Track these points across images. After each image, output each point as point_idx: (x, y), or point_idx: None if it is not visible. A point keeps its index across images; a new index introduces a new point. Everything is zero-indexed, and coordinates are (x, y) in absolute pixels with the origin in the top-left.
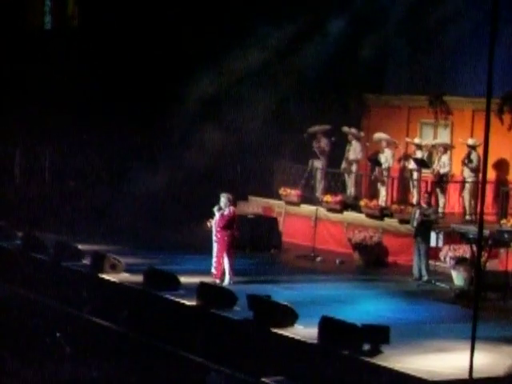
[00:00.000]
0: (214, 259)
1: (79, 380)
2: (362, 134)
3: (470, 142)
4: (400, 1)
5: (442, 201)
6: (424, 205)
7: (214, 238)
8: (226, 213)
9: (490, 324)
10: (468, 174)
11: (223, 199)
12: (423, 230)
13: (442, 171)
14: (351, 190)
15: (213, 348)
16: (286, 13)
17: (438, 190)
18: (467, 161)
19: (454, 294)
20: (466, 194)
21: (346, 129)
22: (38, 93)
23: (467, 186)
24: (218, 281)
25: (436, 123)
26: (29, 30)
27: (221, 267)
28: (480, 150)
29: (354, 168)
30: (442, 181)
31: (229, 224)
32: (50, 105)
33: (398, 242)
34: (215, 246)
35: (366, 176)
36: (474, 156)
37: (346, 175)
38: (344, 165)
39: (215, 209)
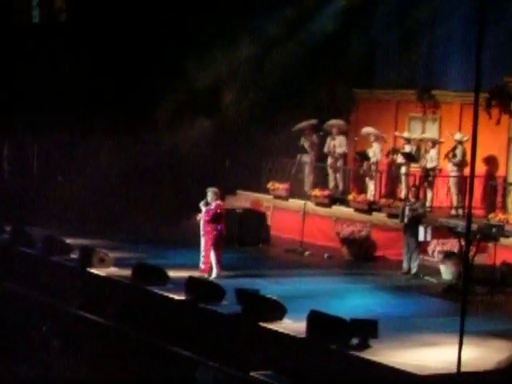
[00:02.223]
0: (202, 253)
1: (67, 374)
2: (346, 126)
3: (457, 136)
4: None
5: (429, 195)
6: (412, 199)
7: (202, 232)
8: (211, 207)
9: (479, 318)
10: (451, 169)
11: (210, 194)
12: (413, 224)
13: (430, 165)
14: (339, 184)
15: (201, 342)
16: (274, 7)
17: (425, 185)
18: (451, 155)
19: (442, 288)
20: (453, 188)
21: (332, 122)
22: (26, 87)
23: (452, 180)
24: (205, 275)
25: (424, 117)
26: (16, 24)
27: (209, 261)
28: (467, 145)
29: (340, 162)
30: (429, 175)
31: (215, 218)
32: (38, 99)
33: (386, 236)
34: (203, 241)
35: (354, 170)
36: (458, 151)
37: (330, 170)
38: (330, 160)
39: (201, 204)
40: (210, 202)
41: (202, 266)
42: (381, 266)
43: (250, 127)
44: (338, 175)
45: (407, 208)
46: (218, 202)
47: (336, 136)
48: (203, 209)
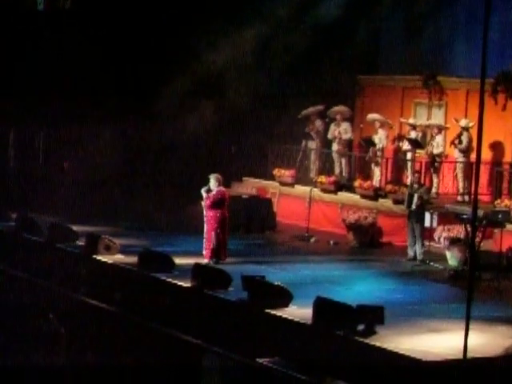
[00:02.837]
0: (204, 240)
1: (73, 361)
2: (350, 112)
3: (463, 122)
4: None
5: (435, 181)
6: (415, 185)
7: (204, 218)
8: (212, 193)
9: (485, 304)
10: (457, 155)
11: (212, 180)
12: (420, 211)
13: (436, 151)
14: (344, 170)
15: (208, 329)
16: None
17: (431, 171)
18: (457, 141)
19: (448, 275)
20: (459, 175)
21: (336, 108)
22: (31, 74)
23: (459, 166)
24: (207, 261)
25: (430, 103)
26: (21, 11)
27: (210, 247)
28: (473, 131)
29: (346, 149)
30: (435, 161)
31: (216, 204)
32: (43, 85)
33: (392, 223)
34: (205, 227)
35: (360, 157)
36: (464, 137)
37: (336, 156)
38: (336, 146)
39: (203, 190)
40: (212, 188)
41: (203, 251)
42: (387, 253)
43: (256, 114)
44: (343, 161)
45: (416, 196)
46: (220, 188)
47: (341, 122)
48: (204, 195)
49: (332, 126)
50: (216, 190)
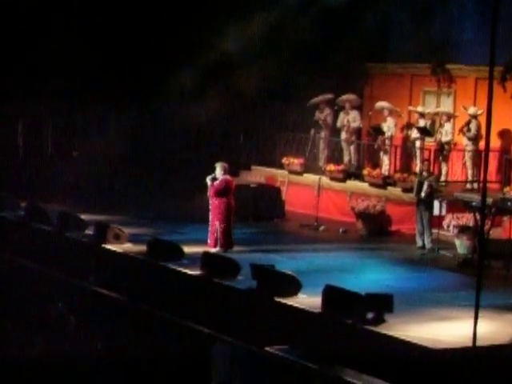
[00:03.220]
0: (209, 228)
1: (83, 350)
2: (359, 101)
3: (471, 110)
4: None
5: (444, 169)
6: (425, 173)
7: (209, 207)
8: (216, 182)
9: (494, 292)
10: (466, 143)
11: (218, 168)
12: (429, 199)
13: (444, 139)
14: (353, 158)
15: (217, 317)
16: None
17: (440, 159)
18: (466, 129)
19: (458, 263)
20: (468, 163)
21: (345, 96)
22: (40, 63)
23: (468, 154)
24: (213, 249)
25: (439, 91)
26: None
27: (214, 236)
28: (482, 119)
29: (354, 137)
30: (443, 149)
31: (221, 193)
32: (51, 75)
33: (401, 211)
34: (210, 215)
35: (369, 145)
36: (472, 125)
37: (345, 144)
38: (345, 135)
39: (208, 178)
40: (218, 176)
41: (208, 240)
42: (396, 241)
43: (265, 102)
44: (352, 149)
45: (426, 183)
46: (226, 177)
47: (350, 111)
48: (209, 183)
49: (341, 114)
50: (220, 178)
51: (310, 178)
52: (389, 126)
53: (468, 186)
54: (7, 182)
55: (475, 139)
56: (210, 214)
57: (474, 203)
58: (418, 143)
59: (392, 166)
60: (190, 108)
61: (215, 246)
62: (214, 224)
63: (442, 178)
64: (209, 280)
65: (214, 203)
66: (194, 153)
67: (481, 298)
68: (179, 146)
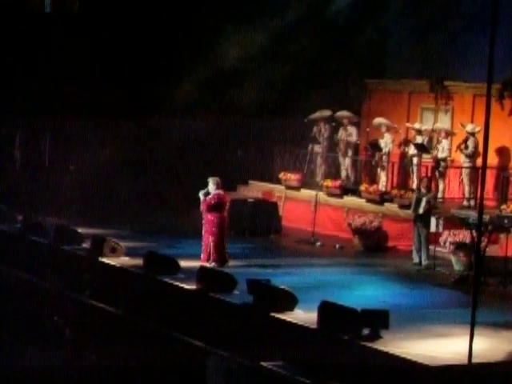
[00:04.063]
0: (202, 242)
1: (78, 363)
2: (356, 118)
3: (469, 127)
4: None
5: (441, 186)
6: (423, 189)
7: (203, 221)
8: (209, 196)
9: (490, 309)
10: (463, 160)
11: (210, 183)
12: (427, 215)
13: (440, 156)
14: (350, 174)
15: (212, 332)
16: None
17: (437, 175)
18: (463, 146)
19: (454, 280)
20: (465, 180)
21: (342, 113)
22: (38, 76)
23: (465, 171)
24: (205, 264)
25: (436, 108)
26: (28, 13)
27: (207, 250)
28: (479, 136)
29: (350, 152)
30: (439, 165)
31: (213, 207)
32: (50, 88)
33: (397, 227)
34: (203, 230)
35: (366, 161)
36: (470, 142)
37: (342, 159)
38: (342, 148)
39: (201, 193)
40: (211, 191)
41: (201, 254)
42: (392, 257)
43: (263, 117)
44: (348, 164)
45: (424, 199)
46: (218, 192)
47: (348, 126)
48: (202, 198)
49: (340, 130)
50: (213, 193)
51: (307, 193)
52: (386, 142)
53: (465, 203)
54: (4, 195)
55: (473, 156)
56: (203, 228)
57: (470, 220)
58: (415, 160)
59: (389, 183)
60: (188, 122)
61: (208, 261)
62: (207, 238)
63: (439, 195)
64: (205, 294)
65: (206, 218)
66: (192, 167)
67: (477, 315)
68: (177, 160)
